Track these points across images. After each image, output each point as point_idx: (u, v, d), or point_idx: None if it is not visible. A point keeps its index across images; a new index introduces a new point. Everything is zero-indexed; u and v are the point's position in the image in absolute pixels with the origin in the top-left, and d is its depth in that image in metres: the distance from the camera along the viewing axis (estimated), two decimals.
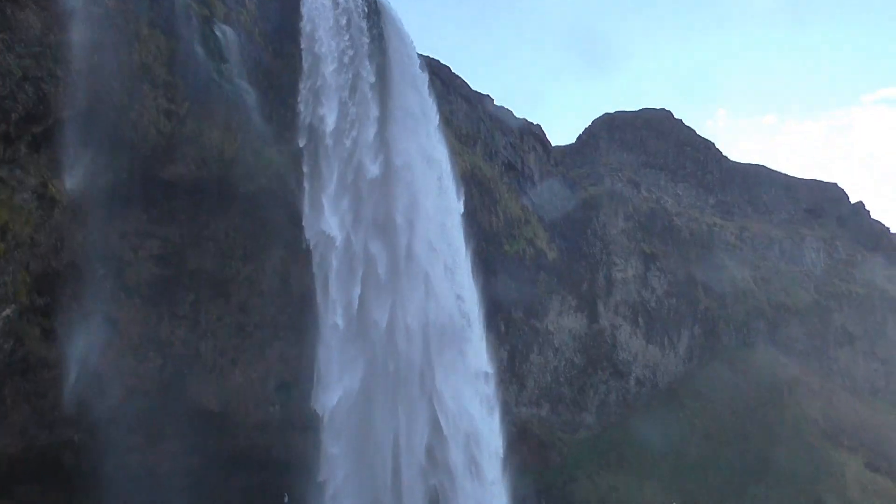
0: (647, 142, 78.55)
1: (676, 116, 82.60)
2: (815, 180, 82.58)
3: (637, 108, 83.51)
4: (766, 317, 68.21)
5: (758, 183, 79.43)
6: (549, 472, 57.71)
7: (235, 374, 46.84)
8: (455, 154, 48.76)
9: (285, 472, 48.70)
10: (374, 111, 43.11)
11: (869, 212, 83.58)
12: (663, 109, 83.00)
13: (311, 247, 42.53)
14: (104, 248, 41.18)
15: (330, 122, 42.97)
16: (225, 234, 45.10)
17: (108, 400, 42.08)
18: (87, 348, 40.51)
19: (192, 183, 43.11)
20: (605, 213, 63.39)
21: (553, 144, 66.93)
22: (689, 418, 61.06)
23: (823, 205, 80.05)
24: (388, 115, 43.30)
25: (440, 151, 45.47)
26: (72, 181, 37.87)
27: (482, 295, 46.32)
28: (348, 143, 42.54)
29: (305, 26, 43.84)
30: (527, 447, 54.33)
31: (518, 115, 63.89)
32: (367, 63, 43.51)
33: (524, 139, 62.15)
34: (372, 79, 43.30)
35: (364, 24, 44.00)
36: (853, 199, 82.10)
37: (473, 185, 53.07)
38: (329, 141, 42.61)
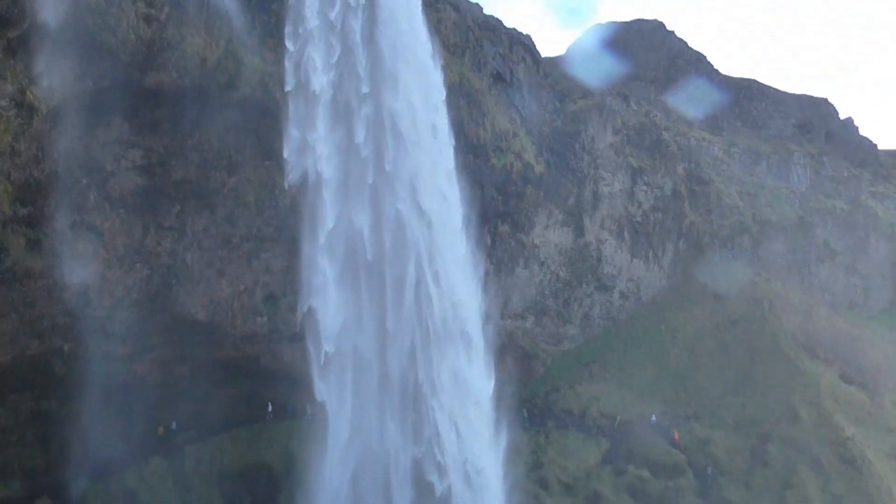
0: (638, 53, 77.29)
1: (668, 28, 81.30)
2: (806, 95, 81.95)
3: (629, 19, 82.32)
4: (750, 232, 68.76)
5: (748, 97, 78.73)
6: (533, 383, 59.08)
7: (222, 284, 47.12)
8: (443, 64, 47.76)
9: (273, 381, 49.65)
10: (360, 16, 41.97)
11: (858, 128, 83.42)
12: (655, 20, 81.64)
13: (295, 157, 41.91)
14: (86, 157, 40.72)
15: (315, 29, 41.87)
16: (209, 144, 44.57)
17: (97, 310, 42.41)
18: (72, 259, 40.56)
19: (175, 92, 42.28)
20: (593, 126, 62.92)
21: (542, 56, 65.70)
22: (671, 331, 62.26)
23: (813, 120, 79.64)
24: (374, 17, 42.15)
25: (427, 59, 44.58)
26: (50, 88, 37.13)
27: (469, 208, 46.34)
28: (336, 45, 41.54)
29: None
30: (511, 358, 55.38)
31: (508, 25, 62.56)
32: None
33: (513, 50, 60.97)
34: None
35: None
36: (843, 116, 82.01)
37: (461, 97, 52.35)
38: (314, 53, 41.59)
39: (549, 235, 60.04)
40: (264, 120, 44.79)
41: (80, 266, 41.05)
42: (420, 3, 45.58)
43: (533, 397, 57.28)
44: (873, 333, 64.69)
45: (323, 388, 41.46)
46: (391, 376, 41.60)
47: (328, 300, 41.67)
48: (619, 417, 55.92)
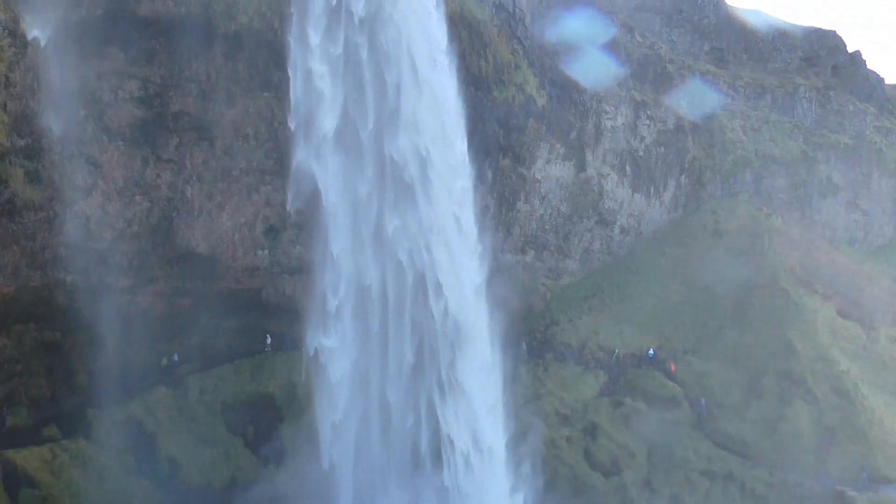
0: None
1: None
2: (814, 27, 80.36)
3: None
4: (752, 167, 68.36)
5: (755, 29, 77.28)
6: (532, 317, 59.57)
7: (223, 217, 47.07)
8: None
9: (275, 314, 50.09)
10: None
11: (865, 62, 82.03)
12: None
13: (296, 90, 41.39)
14: (82, 89, 40.22)
15: None
16: (207, 75, 43.93)
17: (97, 243, 42.51)
18: (72, 191, 40.47)
19: (171, 21, 41.50)
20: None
21: None
22: (670, 266, 62.48)
23: (820, 53, 78.26)
24: None
25: None
26: (43, 18, 36.50)
27: (469, 142, 45.91)
28: None
29: None
30: (511, 293, 55.68)
31: None
32: None
33: None
34: None
35: None
36: (850, 49, 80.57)
37: (462, 28, 51.29)
38: None
39: (551, 170, 59.63)
40: (263, 51, 44.08)
41: (79, 198, 41.00)
42: None
43: (532, 331, 57.84)
44: (872, 269, 64.94)
45: (328, 330, 41.91)
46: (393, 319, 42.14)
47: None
48: (617, 351, 56.60)
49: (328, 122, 41.27)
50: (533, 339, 57.17)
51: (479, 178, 49.55)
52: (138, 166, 43.57)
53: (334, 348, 42.03)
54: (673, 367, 54.73)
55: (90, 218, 41.87)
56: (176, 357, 47.19)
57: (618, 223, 64.24)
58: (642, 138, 64.41)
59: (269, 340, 49.98)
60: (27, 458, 38.40)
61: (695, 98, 67.24)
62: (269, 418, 47.71)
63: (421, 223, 41.94)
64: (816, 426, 48.71)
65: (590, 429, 50.76)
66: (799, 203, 69.70)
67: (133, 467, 41.18)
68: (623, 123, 63.09)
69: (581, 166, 61.37)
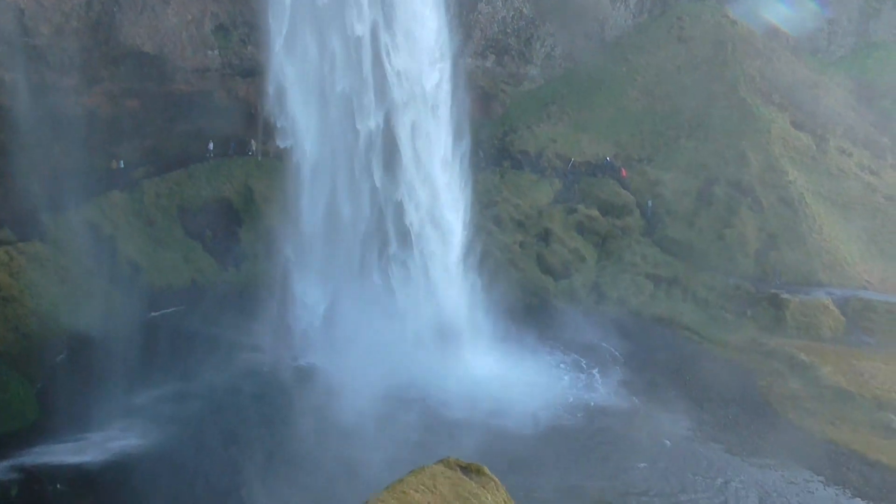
0: None
1: None
2: None
3: None
4: None
5: None
6: (491, 124, 59.12)
7: (168, 14, 44.65)
8: None
9: (227, 117, 48.90)
10: None
11: None
12: None
13: None
14: None
15: None
16: None
17: (35, 38, 40.35)
18: None
19: None
20: None
21: None
22: (632, 73, 61.62)
23: None
24: None
25: None
26: None
27: None
28: None
29: None
30: (469, 99, 54.79)
31: None
32: None
33: None
34: None
35: None
36: None
37: None
38: None
39: None
40: None
41: None
42: None
43: (490, 138, 57.62)
44: (830, 80, 64.89)
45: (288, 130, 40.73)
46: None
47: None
48: (573, 159, 56.98)
49: None
50: (490, 146, 57.07)
51: None
52: None
53: (293, 147, 41.03)
54: (624, 173, 55.54)
55: (24, 11, 39.34)
56: (121, 163, 46.20)
57: (581, 28, 62.41)
58: None
59: (210, 146, 48.98)
60: None
61: None
62: (226, 222, 47.90)
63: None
64: (760, 233, 50.58)
65: (542, 234, 52.13)
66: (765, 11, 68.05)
67: (93, 269, 41.48)
68: None
69: None
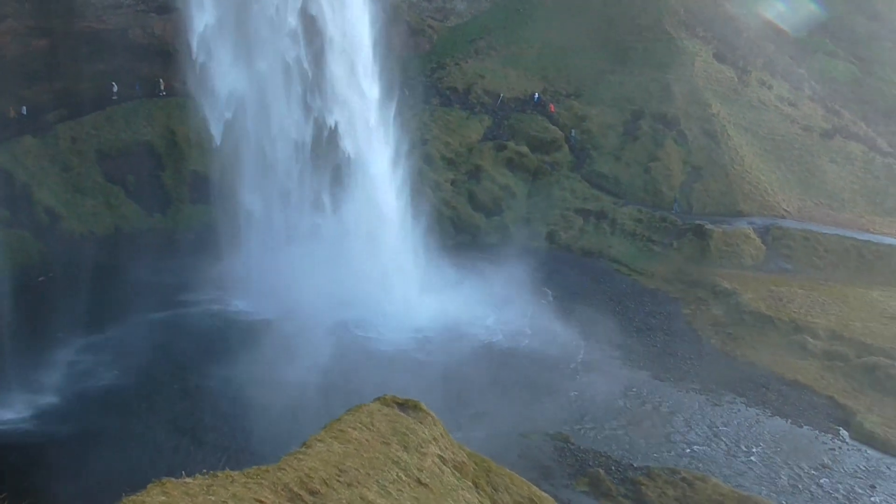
0: None
1: None
2: None
3: None
4: None
5: None
6: (417, 60, 58.35)
7: None
8: None
9: (144, 56, 46.97)
10: None
11: None
12: None
13: None
14: None
15: None
16: None
17: None
18: None
19: None
20: None
21: None
22: (558, 7, 61.31)
23: None
24: None
25: None
26: None
27: None
28: None
29: None
30: (395, 33, 53.81)
31: None
32: None
33: None
34: None
35: None
36: None
37: None
38: None
39: None
40: None
41: None
42: None
43: (418, 75, 56.91)
44: (749, 12, 65.79)
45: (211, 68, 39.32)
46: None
47: None
48: (502, 95, 56.84)
49: None
50: (418, 83, 56.38)
51: None
52: None
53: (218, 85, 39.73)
54: (552, 108, 55.78)
55: None
56: (24, 110, 44.05)
57: None
58: None
59: (115, 88, 47.02)
60: None
61: None
62: (149, 167, 46.42)
63: None
64: (685, 166, 51.67)
65: (473, 171, 52.19)
66: None
67: (8, 218, 39.88)
68: None
69: None
